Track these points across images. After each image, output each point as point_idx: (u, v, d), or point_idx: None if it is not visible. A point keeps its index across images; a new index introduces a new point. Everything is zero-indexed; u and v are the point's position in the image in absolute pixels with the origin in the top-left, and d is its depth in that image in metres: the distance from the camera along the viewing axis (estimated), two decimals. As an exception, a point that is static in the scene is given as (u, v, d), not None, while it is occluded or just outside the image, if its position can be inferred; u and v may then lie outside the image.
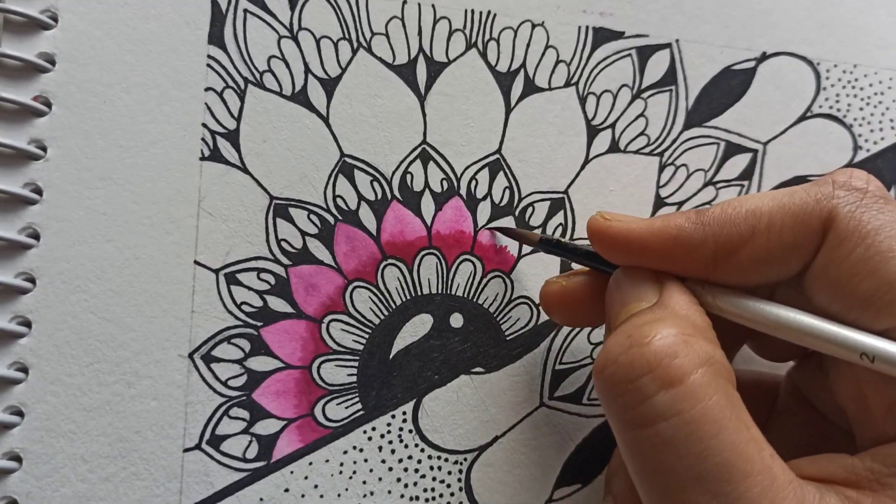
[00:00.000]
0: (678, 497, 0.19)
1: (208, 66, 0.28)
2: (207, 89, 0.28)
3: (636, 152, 0.31)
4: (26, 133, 0.27)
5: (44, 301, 0.26)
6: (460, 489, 0.28)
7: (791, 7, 0.33)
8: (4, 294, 0.26)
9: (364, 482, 0.28)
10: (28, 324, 0.26)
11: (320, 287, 0.28)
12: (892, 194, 0.33)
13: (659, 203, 0.31)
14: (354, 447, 0.28)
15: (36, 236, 0.27)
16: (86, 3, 0.27)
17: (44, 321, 0.26)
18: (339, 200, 0.29)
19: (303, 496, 0.27)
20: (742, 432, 0.19)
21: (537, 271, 0.30)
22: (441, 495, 0.28)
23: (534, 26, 0.30)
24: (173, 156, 0.28)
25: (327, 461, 0.28)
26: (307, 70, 0.29)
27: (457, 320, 0.29)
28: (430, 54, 0.30)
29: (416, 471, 0.28)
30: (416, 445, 0.28)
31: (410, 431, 0.28)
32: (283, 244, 0.28)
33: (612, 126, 0.31)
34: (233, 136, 0.28)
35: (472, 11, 0.30)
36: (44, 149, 0.27)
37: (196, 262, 0.27)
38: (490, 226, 0.30)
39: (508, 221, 0.30)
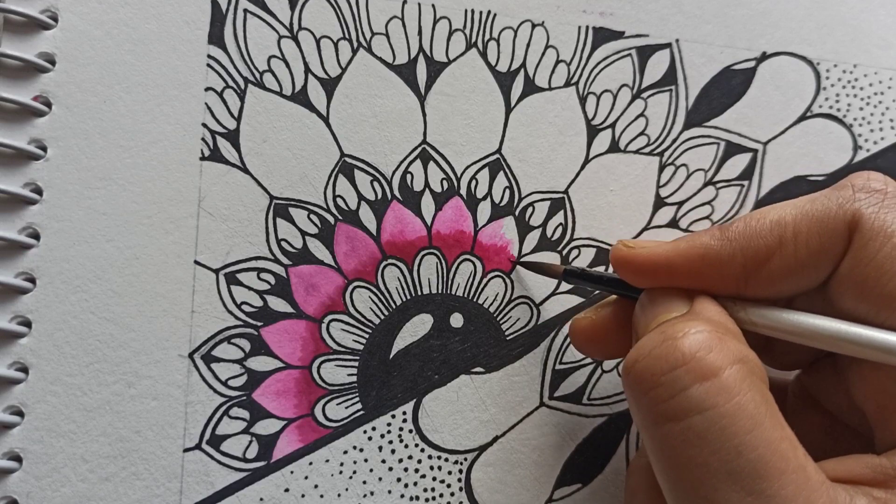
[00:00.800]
0: (710, 494, 0.19)
1: (208, 65, 0.28)
2: (207, 89, 0.28)
3: (636, 152, 0.31)
4: (26, 133, 0.27)
5: (44, 301, 0.26)
6: (460, 489, 0.28)
7: (791, 7, 0.33)
8: (4, 294, 0.26)
9: (364, 482, 0.28)
10: (28, 324, 0.26)
11: (320, 287, 0.28)
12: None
13: (659, 203, 0.31)
14: (354, 447, 0.28)
15: (36, 236, 0.27)
16: (86, 3, 0.27)
17: (44, 321, 0.26)
18: (339, 200, 0.29)
19: (303, 496, 0.27)
20: (777, 430, 0.19)
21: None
22: (441, 495, 0.28)
23: (534, 26, 0.30)
24: (173, 156, 0.28)
25: (327, 461, 0.28)
26: (307, 70, 0.29)
27: (457, 320, 0.29)
28: (430, 54, 0.30)
29: (417, 471, 0.28)
30: (417, 445, 0.28)
31: (410, 431, 0.28)
32: (284, 244, 0.28)
33: (612, 126, 0.31)
34: (233, 136, 0.28)
35: (472, 11, 0.30)
36: (44, 149, 0.27)
37: (196, 262, 0.27)
38: (515, 261, 0.30)
39: (509, 222, 0.30)
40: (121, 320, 0.27)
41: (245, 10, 0.28)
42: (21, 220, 0.26)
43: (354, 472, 0.28)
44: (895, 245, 0.21)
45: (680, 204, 0.31)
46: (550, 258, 0.30)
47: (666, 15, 0.32)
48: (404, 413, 0.28)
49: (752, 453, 0.18)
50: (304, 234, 0.28)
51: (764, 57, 0.32)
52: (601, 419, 0.30)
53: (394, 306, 0.29)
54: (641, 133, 0.31)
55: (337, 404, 0.28)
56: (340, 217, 0.29)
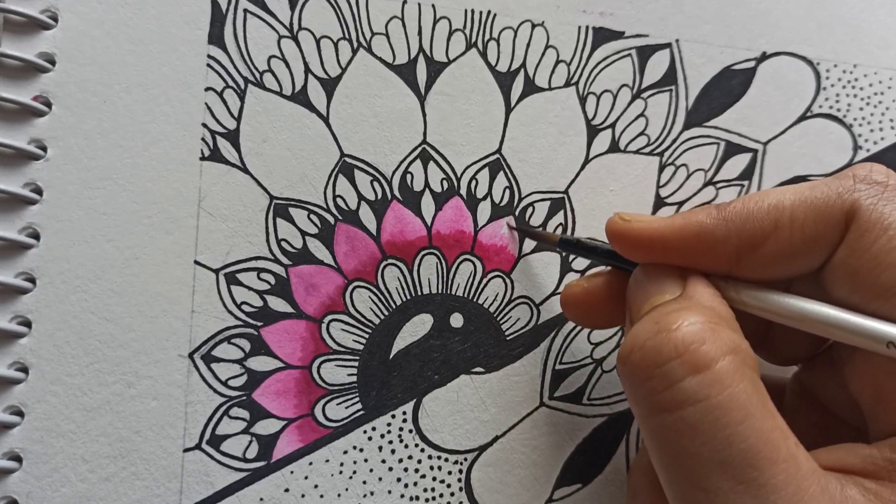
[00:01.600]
0: (702, 483, 0.19)
1: (208, 65, 0.28)
2: (207, 89, 0.28)
3: (636, 152, 0.31)
4: (26, 133, 0.27)
5: (44, 301, 0.26)
6: (460, 489, 0.28)
7: (791, 7, 0.33)
8: (4, 294, 0.26)
9: (364, 482, 0.28)
10: (28, 324, 0.26)
11: (320, 287, 0.28)
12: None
13: (659, 203, 0.31)
14: (354, 447, 0.28)
15: (36, 236, 0.27)
16: (86, 3, 0.27)
17: (44, 321, 0.26)
18: (339, 200, 0.29)
19: (303, 496, 0.27)
20: (768, 420, 0.19)
21: (538, 271, 0.30)
22: (441, 495, 0.28)
23: (534, 26, 0.30)
24: (173, 156, 0.28)
25: (327, 461, 0.28)
26: (307, 70, 0.29)
27: (457, 320, 0.29)
28: (430, 54, 0.30)
29: (417, 471, 0.28)
30: (417, 445, 0.28)
31: (410, 431, 0.28)
32: (284, 244, 0.28)
33: (612, 126, 0.31)
34: (233, 136, 0.28)
35: (472, 11, 0.30)
36: (44, 149, 0.27)
37: (196, 262, 0.27)
38: (512, 225, 0.29)
39: (509, 222, 0.30)
40: (121, 320, 0.27)
41: (245, 10, 0.28)
42: (21, 220, 0.26)
43: (354, 473, 0.28)
44: (890, 238, 0.21)
45: (680, 204, 0.31)
46: (552, 257, 0.30)
47: (666, 15, 0.32)
48: (404, 413, 0.28)
49: (744, 443, 0.19)
50: (304, 234, 0.28)
51: (764, 57, 0.32)
52: (601, 419, 0.30)
53: (394, 306, 0.29)
54: (641, 133, 0.31)
55: (337, 404, 0.28)
56: (340, 217, 0.29)
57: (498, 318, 0.29)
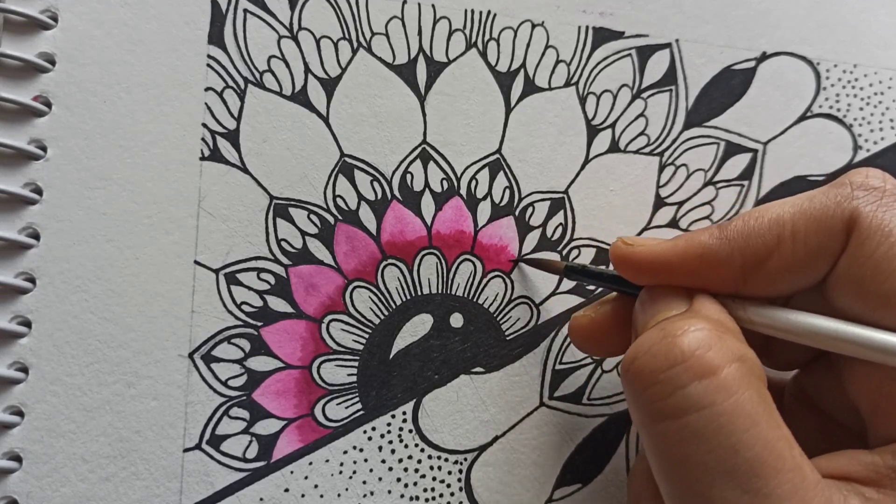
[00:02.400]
0: (706, 492, 0.19)
1: (208, 65, 0.28)
2: (207, 89, 0.28)
3: (636, 152, 0.31)
4: (26, 133, 0.27)
5: (44, 301, 0.26)
6: (460, 489, 0.28)
7: (791, 7, 0.33)
8: (4, 294, 0.26)
9: (364, 482, 0.28)
10: (28, 324, 0.26)
11: (320, 287, 0.28)
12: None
13: (659, 203, 0.31)
14: (354, 447, 0.28)
15: (36, 236, 0.27)
16: (86, 3, 0.27)
17: (44, 321, 0.26)
18: (339, 200, 0.29)
19: (303, 496, 0.27)
20: (774, 429, 0.19)
21: (537, 271, 0.30)
22: (441, 495, 0.28)
23: (534, 26, 0.30)
24: (173, 156, 0.28)
25: (327, 461, 0.28)
26: (307, 70, 0.29)
27: (457, 320, 0.29)
28: (430, 54, 0.30)
29: (416, 471, 0.28)
30: (416, 445, 0.28)
31: (410, 431, 0.28)
32: (283, 244, 0.28)
33: (612, 126, 0.31)
34: (233, 136, 0.28)
35: (472, 11, 0.30)
36: (44, 149, 0.27)
37: (196, 262, 0.27)
38: (516, 259, 0.30)
39: (508, 222, 0.30)
40: (121, 320, 0.27)
41: (245, 10, 0.28)
42: (21, 220, 0.26)
43: (354, 472, 0.28)
44: (892, 244, 0.20)
45: (680, 204, 0.31)
46: (551, 257, 0.30)
47: (666, 15, 0.32)
48: (404, 413, 0.28)
49: (749, 452, 0.18)
50: (303, 234, 0.28)
51: (764, 57, 0.32)
52: (601, 419, 0.30)
53: (394, 306, 0.29)
54: (641, 133, 0.31)
55: (337, 404, 0.28)
56: (340, 217, 0.29)
57: (498, 318, 0.29)
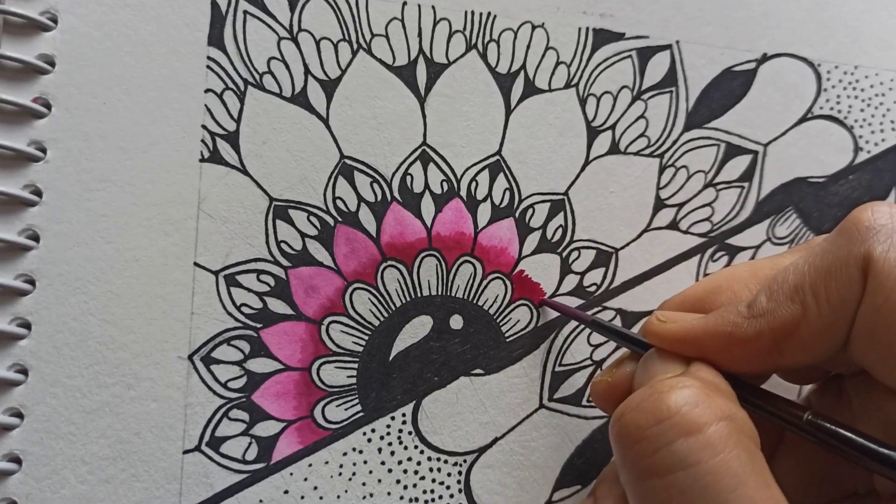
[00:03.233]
0: None
1: (208, 67, 0.28)
2: (207, 91, 0.28)
3: (636, 154, 0.31)
4: (26, 135, 0.27)
5: (43, 303, 0.26)
6: (460, 491, 0.28)
7: (792, 8, 0.33)
8: (4, 296, 0.26)
9: (363, 484, 0.28)
10: (28, 325, 0.26)
11: (320, 289, 0.28)
12: (892, 197, 0.33)
13: (659, 204, 0.31)
14: (354, 449, 0.28)
15: (36, 238, 0.27)
16: (86, 5, 0.27)
17: (43, 323, 0.26)
18: (338, 202, 0.29)
19: (302, 498, 0.27)
20: (762, 490, 0.19)
21: (538, 273, 0.30)
22: (440, 497, 0.28)
23: (534, 28, 0.30)
24: (173, 157, 0.28)
25: (327, 463, 0.28)
26: (307, 71, 0.29)
27: (457, 322, 0.29)
28: (430, 56, 0.30)
29: (416, 472, 0.28)
30: (416, 447, 0.28)
31: (410, 433, 0.28)
32: (283, 246, 0.28)
33: (613, 127, 0.31)
34: (232, 138, 0.28)
35: (472, 13, 0.30)
36: (43, 150, 0.27)
37: (196, 264, 0.27)
38: (543, 301, 0.30)
39: (509, 224, 0.30)
40: (120, 322, 0.27)
41: (245, 12, 0.28)
42: (21, 222, 0.26)
43: (354, 474, 0.28)
44: None
45: (680, 206, 0.31)
46: (551, 259, 0.30)
47: (666, 16, 0.32)
48: (404, 415, 0.28)
49: None
50: (303, 235, 0.28)
51: (764, 58, 0.32)
52: (600, 421, 0.30)
53: (393, 308, 0.29)
54: (641, 135, 0.31)
55: (336, 406, 0.28)
56: (340, 219, 0.29)
57: (498, 320, 0.29)
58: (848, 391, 0.24)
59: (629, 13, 0.31)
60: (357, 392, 0.28)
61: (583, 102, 0.31)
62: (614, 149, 0.31)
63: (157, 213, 0.27)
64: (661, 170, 0.31)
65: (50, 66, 0.27)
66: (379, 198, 0.29)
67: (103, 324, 0.27)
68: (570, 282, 0.30)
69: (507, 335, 0.29)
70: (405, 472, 0.28)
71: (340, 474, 0.28)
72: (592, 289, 0.30)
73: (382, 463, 0.28)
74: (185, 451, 0.27)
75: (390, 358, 0.29)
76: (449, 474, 0.28)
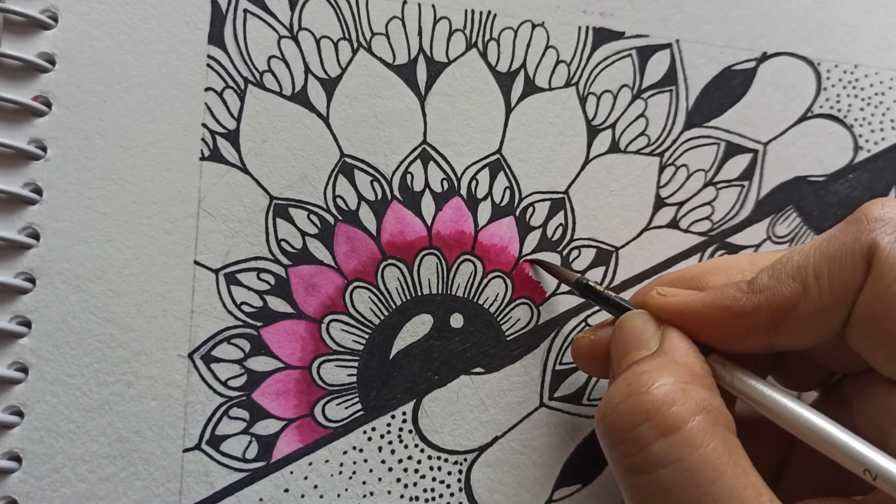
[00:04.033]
0: None
1: (208, 66, 0.28)
2: (207, 89, 0.28)
3: (636, 152, 0.31)
4: (26, 133, 0.27)
5: (43, 301, 0.26)
6: (460, 489, 0.28)
7: (791, 7, 0.33)
8: (4, 294, 0.26)
9: (364, 482, 0.28)
10: (28, 324, 0.26)
11: (320, 287, 0.28)
12: (892, 195, 0.33)
13: (659, 203, 0.31)
14: (354, 447, 0.28)
15: (36, 236, 0.27)
16: (86, 3, 0.27)
17: (43, 321, 0.26)
18: (339, 200, 0.29)
19: (302, 496, 0.27)
20: (739, 478, 0.19)
21: (538, 271, 0.30)
22: (441, 496, 0.28)
23: (534, 26, 0.30)
24: (173, 156, 0.28)
25: (327, 461, 0.28)
26: (307, 70, 0.29)
27: (457, 320, 0.29)
28: (430, 54, 0.30)
29: (416, 471, 0.28)
30: (416, 446, 0.28)
31: (410, 432, 0.28)
32: (283, 244, 0.28)
33: (613, 126, 0.31)
34: (233, 136, 0.28)
35: (473, 11, 0.30)
36: (44, 149, 0.27)
37: (196, 263, 0.27)
38: (531, 258, 0.30)
39: (509, 222, 0.30)
40: (120, 320, 0.27)
41: (245, 11, 0.28)
42: (21, 220, 0.26)
43: (354, 473, 0.28)
44: None
45: (680, 204, 0.31)
46: (552, 258, 0.30)
47: (666, 15, 0.32)
48: (404, 413, 0.28)
49: (715, 503, 0.19)
50: (303, 234, 0.28)
51: (764, 57, 0.32)
52: (601, 420, 0.30)
53: (394, 307, 0.29)
54: (642, 133, 0.31)
55: (336, 405, 0.28)
56: (340, 217, 0.29)
57: (498, 319, 0.29)
58: (848, 395, 0.24)
59: (629, 12, 0.31)
60: (357, 390, 0.28)
61: (583, 101, 0.31)
62: (614, 147, 0.31)
63: (158, 212, 0.27)
64: (661, 168, 0.31)
65: (50, 64, 0.27)
66: (379, 196, 0.29)
67: (103, 322, 0.27)
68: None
69: (507, 334, 0.29)
70: (405, 470, 0.28)
71: (341, 473, 0.28)
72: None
73: (383, 461, 0.28)
74: (186, 450, 0.27)
75: (390, 356, 0.29)
76: (449, 473, 0.28)
